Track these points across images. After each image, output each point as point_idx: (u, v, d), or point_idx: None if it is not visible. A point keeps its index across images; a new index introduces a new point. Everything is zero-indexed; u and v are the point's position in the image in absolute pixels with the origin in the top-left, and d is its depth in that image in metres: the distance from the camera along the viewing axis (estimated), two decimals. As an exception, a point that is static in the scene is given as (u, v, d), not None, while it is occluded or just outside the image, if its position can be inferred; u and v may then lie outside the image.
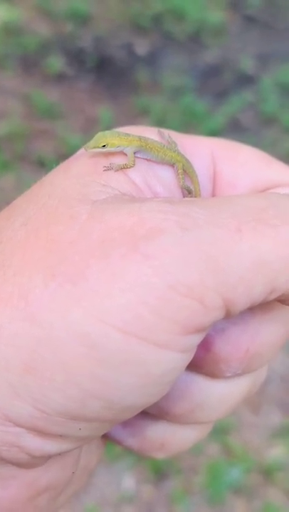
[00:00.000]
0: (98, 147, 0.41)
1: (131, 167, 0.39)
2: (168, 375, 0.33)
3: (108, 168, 0.38)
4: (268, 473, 1.94)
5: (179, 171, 0.42)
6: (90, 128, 3.09)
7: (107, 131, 0.43)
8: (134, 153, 0.41)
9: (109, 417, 0.33)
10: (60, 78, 3.38)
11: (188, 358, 0.35)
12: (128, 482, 1.92)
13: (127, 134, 0.43)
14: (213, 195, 0.46)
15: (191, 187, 0.43)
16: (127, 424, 0.41)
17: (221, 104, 3.33)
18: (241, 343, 0.40)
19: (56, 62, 3.45)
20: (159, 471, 1.93)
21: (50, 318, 0.31)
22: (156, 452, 0.42)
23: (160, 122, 3.18)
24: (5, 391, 0.32)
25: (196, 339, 0.34)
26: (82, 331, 0.31)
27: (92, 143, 0.42)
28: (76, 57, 3.54)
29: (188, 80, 3.47)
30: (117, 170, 0.39)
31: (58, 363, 0.31)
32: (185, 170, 0.43)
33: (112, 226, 0.33)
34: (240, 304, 0.34)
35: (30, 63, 3.44)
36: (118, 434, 0.41)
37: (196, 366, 0.40)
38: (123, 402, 0.33)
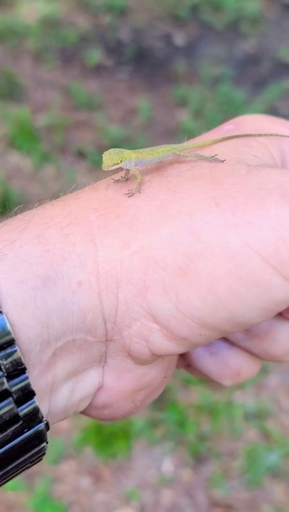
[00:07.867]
0: (117, 164, 0.47)
1: (141, 181, 0.44)
2: (281, 304, 0.40)
3: (130, 193, 0.43)
4: (306, 458, 1.95)
5: (179, 153, 0.48)
6: (129, 119, 3.12)
7: (112, 150, 0.49)
8: (135, 164, 0.47)
9: (225, 328, 0.40)
10: (98, 70, 3.42)
11: None
12: (167, 466, 1.94)
13: (122, 151, 0.49)
14: None
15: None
16: (213, 353, 0.48)
17: (259, 93, 3.33)
18: None
19: (95, 54, 3.49)
20: (198, 456, 1.96)
21: (209, 236, 0.38)
22: (230, 380, 0.48)
23: (198, 112, 3.19)
24: (158, 288, 0.38)
25: None
26: (232, 251, 0.38)
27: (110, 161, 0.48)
28: (114, 49, 3.57)
29: (226, 70, 3.47)
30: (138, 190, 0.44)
31: (206, 273, 0.38)
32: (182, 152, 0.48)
33: (268, 179, 0.41)
34: None
35: (69, 55, 3.48)
36: (204, 362, 0.48)
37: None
38: (242, 317, 0.39)
